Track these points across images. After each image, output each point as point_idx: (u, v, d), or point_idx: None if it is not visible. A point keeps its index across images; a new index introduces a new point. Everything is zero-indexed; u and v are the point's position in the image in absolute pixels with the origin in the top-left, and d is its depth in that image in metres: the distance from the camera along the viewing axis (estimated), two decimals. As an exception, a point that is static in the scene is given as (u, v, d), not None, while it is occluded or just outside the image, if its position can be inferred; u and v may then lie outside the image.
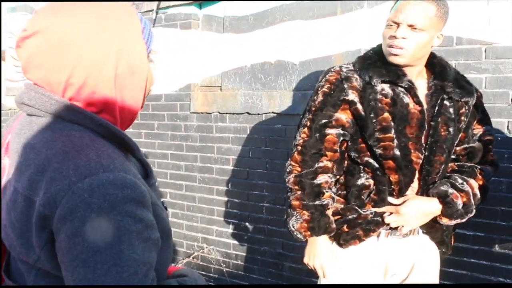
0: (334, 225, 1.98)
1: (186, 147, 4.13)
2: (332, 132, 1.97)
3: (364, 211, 1.99)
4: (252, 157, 3.70)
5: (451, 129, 1.96)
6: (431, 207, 1.96)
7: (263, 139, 3.62)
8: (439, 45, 2.74)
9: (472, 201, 1.99)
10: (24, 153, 1.02)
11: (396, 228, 2.00)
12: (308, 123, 2.02)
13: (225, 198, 3.94)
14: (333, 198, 2.02)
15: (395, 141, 1.92)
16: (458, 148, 2.07)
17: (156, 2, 4.10)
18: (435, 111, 1.95)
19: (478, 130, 2.11)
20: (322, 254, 2.01)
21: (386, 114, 1.93)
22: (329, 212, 1.98)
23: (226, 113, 3.79)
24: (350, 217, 2.00)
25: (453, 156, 2.07)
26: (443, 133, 1.95)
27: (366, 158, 1.99)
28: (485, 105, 2.65)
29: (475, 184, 2.02)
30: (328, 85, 2.00)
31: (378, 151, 1.94)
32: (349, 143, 2.02)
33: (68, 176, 0.93)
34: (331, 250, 2.03)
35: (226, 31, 3.90)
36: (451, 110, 1.97)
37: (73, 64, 1.03)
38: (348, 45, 3.22)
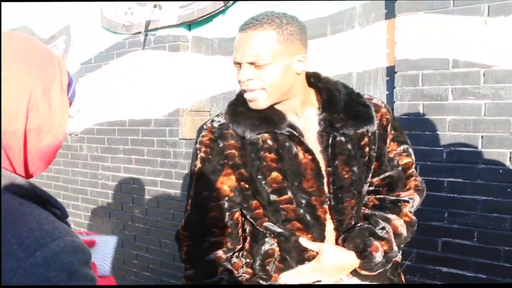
0: None
1: (175, 174, 3.96)
2: (215, 207, 1.68)
3: (270, 283, 1.68)
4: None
5: (355, 168, 1.66)
6: (348, 261, 1.67)
7: (251, 168, 3.41)
8: (435, 68, 2.61)
9: (394, 246, 1.70)
10: None
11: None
12: (192, 194, 1.73)
13: (215, 229, 3.73)
14: (230, 271, 1.69)
15: (294, 201, 1.63)
16: (375, 180, 1.77)
17: (144, 24, 3.96)
18: (329, 153, 1.64)
19: (394, 152, 1.78)
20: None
21: (275, 173, 1.62)
22: None
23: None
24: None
25: (371, 188, 1.78)
26: (346, 176, 1.65)
27: (265, 224, 1.69)
28: (484, 134, 2.48)
29: (398, 222, 1.72)
30: (204, 149, 1.69)
31: (280, 219, 1.66)
32: (243, 211, 1.72)
33: (13, 253, 0.84)
34: None
35: (215, 53, 3.76)
36: (349, 146, 1.65)
37: None
38: (339, 67, 3.02)
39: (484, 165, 2.51)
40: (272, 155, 1.62)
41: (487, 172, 2.50)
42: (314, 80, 1.74)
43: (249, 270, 1.73)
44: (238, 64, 1.57)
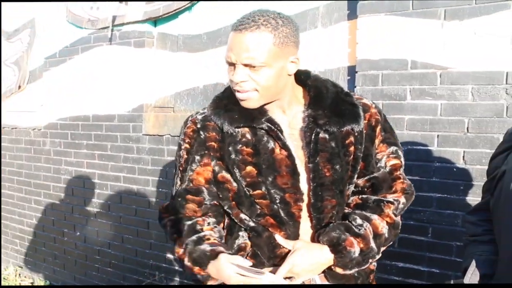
0: (219, 248, 1.62)
1: (138, 170, 3.95)
2: (192, 199, 1.70)
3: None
4: (203, 183, 3.52)
5: (337, 167, 1.64)
6: (322, 256, 1.63)
7: (214, 164, 3.44)
8: (395, 68, 2.68)
9: (373, 245, 1.66)
10: None
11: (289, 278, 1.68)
12: (176, 181, 1.76)
13: (177, 225, 3.74)
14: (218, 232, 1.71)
15: (267, 196, 1.62)
16: (360, 181, 1.74)
17: (110, 19, 3.94)
18: (311, 149, 1.62)
19: (382, 153, 1.75)
20: (227, 272, 1.58)
21: (250, 167, 1.62)
22: (209, 242, 1.66)
23: (177, 136, 3.60)
24: None
25: (356, 189, 1.76)
26: (327, 174, 1.63)
27: (240, 215, 1.68)
28: (440, 133, 2.56)
29: (379, 223, 1.68)
30: (188, 140, 1.71)
31: (254, 213, 1.66)
32: (220, 202, 1.72)
33: None
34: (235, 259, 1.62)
35: (180, 50, 3.76)
36: (332, 144, 1.63)
37: None
38: (302, 66, 3.06)
39: (439, 164, 2.59)
40: (249, 149, 1.63)
41: (442, 170, 2.58)
42: (304, 77, 1.73)
43: None
44: (232, 64, 1.55)
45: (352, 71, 2.88)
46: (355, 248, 1.63)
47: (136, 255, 4.08)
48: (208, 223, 1.70)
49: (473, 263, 1.54)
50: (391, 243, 1.75)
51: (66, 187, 4.61)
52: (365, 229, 1.66)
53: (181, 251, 1.67)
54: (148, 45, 3.86)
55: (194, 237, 1.65)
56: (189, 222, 1.69)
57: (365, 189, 1.76)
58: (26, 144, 4.98)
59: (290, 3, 3.12)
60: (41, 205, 4.91)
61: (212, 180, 1.69)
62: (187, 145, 1.72)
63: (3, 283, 5.01)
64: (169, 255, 3.83)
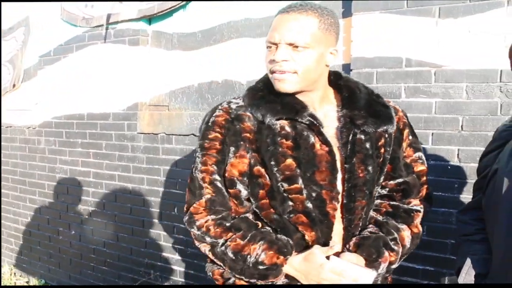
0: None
1: (133, 169, 3.95)
2: (231, 192, 1.64)
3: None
4: (198, 181, 3.51)
5: (370, 168, 1.64)
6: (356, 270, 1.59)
7: (209, 163, 3.43)
8: (389, 66, 2.68)
9: (399, 256, 1.71)
10: None
11: None
12: (207, 178, 1.64)
13: (172, 223, 3.74)
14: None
15: (304, 191, 1.59)
16: (390, 183, 1.75)
17: (105, 17, 3.93)
18: (348, 150, 1.61)
19: (410, 158, 1.78)
20: (316, 261, 1.56)
21: (290, 160, 1.58)
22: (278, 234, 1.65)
23: (172, 134, 3.61)
24: None
25: (384, 192, 1.77)
26: (361, 175, 1.63)
27: (271, 215, 1.65)
28: (434, 131, 2.57)
29: (406, 234, 1.72)
30: (219, 129, 1.63)
31: (287, 205, 1.62)
32: (251, 200, 1.67)
33: None
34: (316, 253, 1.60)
35: (174, 48, 3.75)
36: (367, 145, 1.63)
37: None
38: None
39: (434, 162, 2.58)
40: (289, 142, 1.59)
41: (436, 168, 2.58)
42: (334, 78, 1.74)
43: None
44: (275, 44, 1.54)
45: (346, 69, 2.88)
46: (386, 264, 1.66)
47: (131, 254, 4.07)
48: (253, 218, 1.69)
49: (467, 262, 1.55)
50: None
51: (61, 186, 4.60)
52: (397, 243, 1.70)
53: (251, 245, 1.59)
54: (142, 43, 3.85)
55: (263, 230, 1.64)
56: (241, 217, 1.65)
57: (394, 193, 1.77)
58: (21, 142, 4.96)
59: (284, 2, 3.11)
60: (36, 204, 4.89)
61: (247, 173, 1.64)
62: (218, 134, 1.64)
63: (-2, 282, 5.00)
64: (164, 254, 3.83)
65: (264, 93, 1.65)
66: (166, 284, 3.84)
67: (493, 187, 1.48)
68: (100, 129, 4.15)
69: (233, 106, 1.66)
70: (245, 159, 1.63)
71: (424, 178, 1.80)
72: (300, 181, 1.59)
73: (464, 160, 2.52)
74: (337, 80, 1.74)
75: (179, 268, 3.75)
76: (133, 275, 4.07)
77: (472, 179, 2.48)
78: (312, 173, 1.59)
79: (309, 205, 1.60)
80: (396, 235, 1.71)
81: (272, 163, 1.59)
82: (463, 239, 1.66)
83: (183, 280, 3.73)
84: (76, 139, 4.36)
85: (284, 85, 1.57)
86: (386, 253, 1.66)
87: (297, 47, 1.52)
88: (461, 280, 1.54)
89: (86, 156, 4.31)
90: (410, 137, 1.80)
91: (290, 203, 1.61)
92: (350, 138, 1.62)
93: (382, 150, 1.68)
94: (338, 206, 1.64)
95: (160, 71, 3.86)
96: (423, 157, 1.81)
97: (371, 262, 1.64)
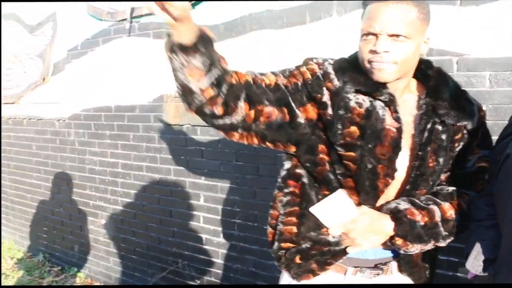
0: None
1: (160, 160, 4.01)
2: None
3: (320, 238, 1.72)
4: (223, 172, 3.56)
5: (440, 160, 1.64)
6: (382, 223, 1.62)
7: (233, 154, 3.47)
8: None
9: (440, 225, 1.62)
10: None
11: (366, 267, 1.73)
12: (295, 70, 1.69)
13: (199, 213, 3.80)
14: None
15: (359, 162, 1.60)
16: (443, 176, 1.75)
17: (129, 11, 3.98)
18: (424, 138, 1.61)
19: (473, 155, 1.74)
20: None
21: (354, 128, 1.60)
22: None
23: (197, 126, 3.65)
24: (303, 246, 1.74)
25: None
26: (431, 165, 1.63)
27: (325, 173, 1.68)
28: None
29: (448, 208, 1.65)
30: (310, 73, 1.65)
31: (338, 170, 1.65)
32: (306, 154, 1.70)
33: None
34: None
35: (198, 40, 3.76)
36: (443, 136, 1.63)
37: None
38: (317, 55, 3.05)
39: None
40: (361, 110, 1.61)
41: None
42: (424, 66, 1.73)
43: (294, 219, 1.77)
44: (374, 35, 1.53)
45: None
46: (417, 218, 1.62)
47: (160, 243, 4.15)
48: None
49: (476, 247, 1.55)
50: (462, 233, 1.69)
51: (91, 177, 4.70)
52: (432, 206, 1.65)
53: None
54: (166, 36, 3.88)
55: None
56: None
57: (443, 183, 1.76)
58: (52, 135, 5.07)
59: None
60: (67, 194, 5.01)
61: (313, 123, 1.67)
62: (308, 76, 1.65)
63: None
64: (191, 243, 3.89)
65: (351, 67, 1.65)
66: (193, 274, 3.91)
67: (505, 172, 1.47)
68: (128, 121, 4.21)
69: (326, 63, 1.68)
70: (316, 110, 1.65)
71: (483, 174, 1.74)
72: (359, 151, 1.61)
73: (487, 149, 2.50)
74: (427, 69, 1.73)
75: (205, 257, 3.81)
76: (161, 264, 4.15)
77: (495, 168, 2.46)
78: (374, 145, 1.60)
79: (362, 175, 1.62)
80: (428, 201, 1.67)
81: (338, 125, 1.61)
82: (476, 224, 1.64)
83: (209, 269, 3.78)
84: (105, 131, 4.45)
85: (384, 75, 1.56)
86: (413, 209, 1.62)
87: (398, 36, 1.51)
88: (469, 265, 1.54)
89: (114, 148, 4.39)
90: (481, 138, 1.76)
91: (343, 167, 1.64)
92: (429, 126, 1.62)
93: (457, 145, 1.69)
94: (393, 185, 1.65)
95: (184, 63, 3.88)
96: (490, 156, 1.74)
97: (395, 214, 1.62)
